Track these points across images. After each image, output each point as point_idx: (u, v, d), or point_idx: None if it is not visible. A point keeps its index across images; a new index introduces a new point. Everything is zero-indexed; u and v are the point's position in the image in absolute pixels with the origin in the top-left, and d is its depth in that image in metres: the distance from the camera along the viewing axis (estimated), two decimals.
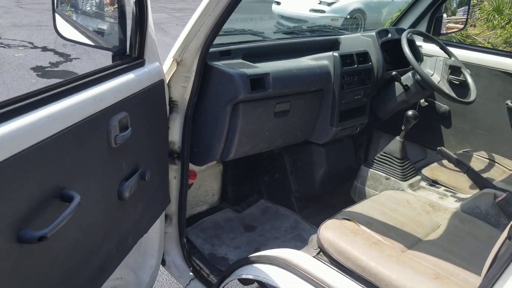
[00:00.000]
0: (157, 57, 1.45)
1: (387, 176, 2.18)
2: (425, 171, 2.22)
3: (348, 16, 8.38)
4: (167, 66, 1.59)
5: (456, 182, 2.11)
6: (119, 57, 1.34)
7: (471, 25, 8.34)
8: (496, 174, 2.12)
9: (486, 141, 2.40)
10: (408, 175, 2.17)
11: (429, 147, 2.55)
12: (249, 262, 1.60)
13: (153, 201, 1.52)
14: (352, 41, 2.34)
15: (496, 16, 8.09)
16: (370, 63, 2.21)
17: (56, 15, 1.41)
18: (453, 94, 2.13)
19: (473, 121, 2.43)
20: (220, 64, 1.77)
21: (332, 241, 1.49)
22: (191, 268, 1.87)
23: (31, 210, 0.89)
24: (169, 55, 1.59)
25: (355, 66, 2.13)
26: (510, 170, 2.18)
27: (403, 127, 2.17)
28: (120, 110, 1.18)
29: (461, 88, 2.28)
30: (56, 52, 6.59)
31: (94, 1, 1.61)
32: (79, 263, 1.10)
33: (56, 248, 0.99)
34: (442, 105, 2.50)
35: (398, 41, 2.25)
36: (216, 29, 1.54)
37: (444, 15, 2.82)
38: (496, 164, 2.21)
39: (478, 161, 2.22)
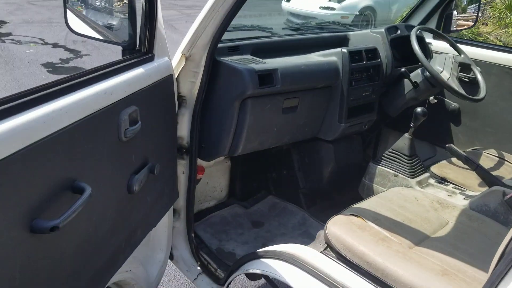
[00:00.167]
0: (166, 52, 1.46)
1: (395, 173, 2.18)
2: (434, 169, 2.21)
3: (358, 13, 8.33)
4: (176, 61, 1.60)
5: (464, 179, 2.10)
6: (129, 51, 1.35)
7: (482, 23, 8.27)
8: (506, 172, 2.10)
9: (496, 139, 2.38)
10: (416, 172, 2.16)
11: (439, 145, 2.54)
12: (257, 257, 1.60)
13: (162, 195, 1.53)
14: (361, 38, 2.34)
15: (508, 14, 8.01)
16: (379, 60, 2.21)
17: (67, 10, 1.43)
18: (462, 91, 2.12)
19: (483, 119, 2.42)
20: (228, 59, 1.78)
21: (339, 236, 1.49)
22: (198, 263, 1.88)
23: (43, 201, 0.90)
24: (178, 50, 1.60)
25: (364, 62, 2.12)
26: None
27: (411, 124, 2.16)
28: (130, 104, 1.19)
29: (471, 85, 2.26)
30: (66, 49, 6.64)
31: None
32: (89, 254, 1.12)
33: (67, 240, 1.00)
34: (452, 103, 2.48)
35: (408, 38, 2.24)
36: (225, 25, 1.55)
37: (455, 12, 2.80)
38: (505, 162, 2.20)
39: (487, 159, 2.21)
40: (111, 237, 1.21)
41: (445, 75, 2.13)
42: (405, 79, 2.26)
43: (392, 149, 2.23)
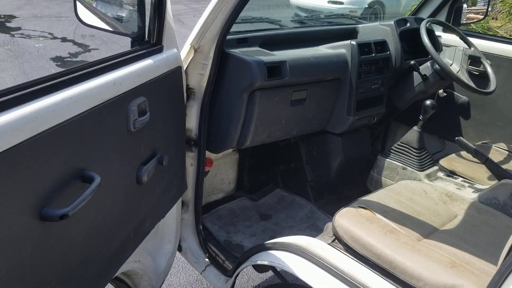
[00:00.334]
0: (175, 43, 1.46)
1: (404, 166, 2.17)
2: (443, 162, 2.20)
3: (367, 7, 8.27)
4: (185, 53, 1.60)
5: (474, 172, 2.09)
6: (138, 43, 1.35)
7: (492, 18, 8.18)
8: None
9: (506, 133, 2.36)
10: (425, 165, 2.15)
11: (448, 139, 2.52)
12: (264, 248, 1.61)
13: (171, 186, 1.53)
14: (370, 30, 2.32)
15: None
16: (388, 52, 2.19)
17: (77, 2, 1.43)
18: (472, 84, 2.10)
19: (493, 113, 2.40)
20: (237, 51, 1.78)
21: (347, 228, 1.49)
22: (207, 255, 1.89)
23: (53, 190, 0.91)
24: (187, 42, 1.60)
25: (373, 55, 2.11)
26: None
27: (421, 117, 2.15)
28: (138, 95, 1.20)
29: (481, 78, 2.24)
30: (75, 43, 6.67)
31: None
32: (98, 243, 1.13)
33: (77, 228, 1.01)
34: (461, 96, 2.46)
35: (417, 30, 2.22)
36: (233, 17, 1.55)
37: (465, 5, 2.77)
38: None
39: (497, 153, 2.19)
40: (119, 226, 1.22)
41: (454, 68, 2.11)
42: (414, 72, 2.24)
43: (401, 142, 2.22)
